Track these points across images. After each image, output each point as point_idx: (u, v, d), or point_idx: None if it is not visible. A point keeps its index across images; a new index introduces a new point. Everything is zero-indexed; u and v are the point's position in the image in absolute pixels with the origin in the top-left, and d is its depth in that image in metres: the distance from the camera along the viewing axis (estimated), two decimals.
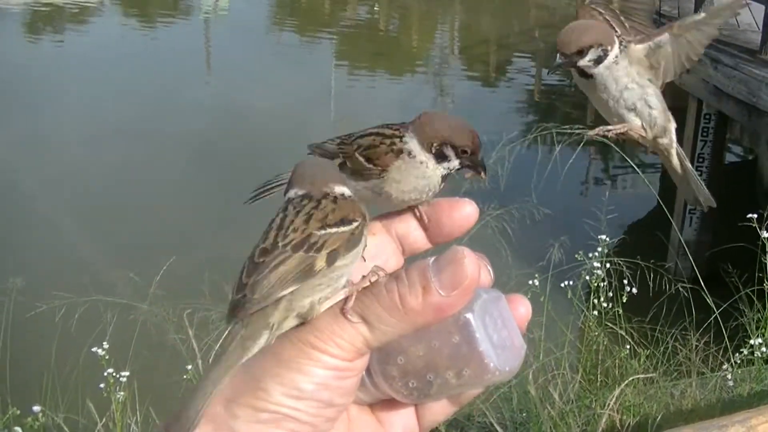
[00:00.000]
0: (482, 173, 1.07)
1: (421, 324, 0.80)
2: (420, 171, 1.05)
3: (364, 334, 0.80)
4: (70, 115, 14.89)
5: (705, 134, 10.17)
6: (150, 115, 15.06)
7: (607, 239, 5.23)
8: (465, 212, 0.91)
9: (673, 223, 9.20)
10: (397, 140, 1.06)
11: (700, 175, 10.01)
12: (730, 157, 13.30)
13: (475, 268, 0.80)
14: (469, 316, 0.83)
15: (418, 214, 0.98)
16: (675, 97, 14.18)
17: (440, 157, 1.05)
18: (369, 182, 1.07)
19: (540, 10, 24.67)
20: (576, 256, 5.19)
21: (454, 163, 1.05)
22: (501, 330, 0.86)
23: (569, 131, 5.89)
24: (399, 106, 16.48)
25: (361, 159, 1.07)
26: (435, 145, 1.04)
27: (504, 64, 20.84)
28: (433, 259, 0.81)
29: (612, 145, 6.87)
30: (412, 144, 1.05)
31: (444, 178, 1.06)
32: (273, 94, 16.08)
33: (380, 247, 0.92)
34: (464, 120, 1.06)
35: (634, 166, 7.99)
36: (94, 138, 13.77)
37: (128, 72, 17.40)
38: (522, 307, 0.89)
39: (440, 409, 0.89)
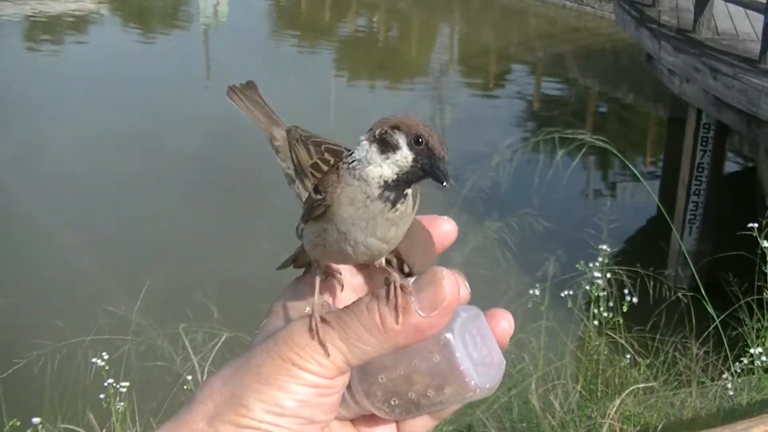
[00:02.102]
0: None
1: (402, 344, 0.80)
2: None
3: (344, 353, 0.80)
4: (66, 125, 14.90)
5: (704, 144, 10.19)
6: (148, 124, 15.08)
7: (608, 248, 5.23)
8: (443, 230, 0.91)
9: (674, 230, 9.21)
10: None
11: (699, 185, 10.08)
12: (729, 167, 13.31)
13: (454, 288, 0.80)
14: (449, 336, 0.84)
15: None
16: (674, 107, 14.29)
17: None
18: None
19: (540, 20, 24.72)
20: (577, 266, 5.20)
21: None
22: (481, 348, 0.86)
23: (570, 136, 5.90)
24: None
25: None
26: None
27: (503, 75, 20.89)
28: (413, 279, 0.81)
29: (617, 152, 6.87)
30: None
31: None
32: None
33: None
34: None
35: (639, 175, 8.00)
36: (91, 148, 13.79)
37: (127, 81, 17.44)
38: (504, 321, 0.89)
39: (421, 423, 0.90)
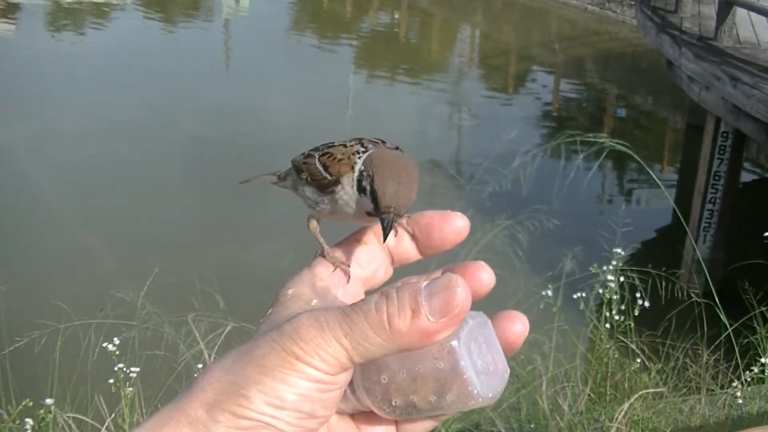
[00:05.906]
0: (384, 231, 0.90)
1: (406, 347, 0.80)
2: (345, 191, 0.98)
3: (348, 350, 0.79)
4: (82, 111, 14.96)
5: (722, 152, 10.15)
6: (165, 114, 15.13)
7: (622, 252, 5.22)
8: (456, 226, 0.90)
9: (689, 236, 9.19)
10: (357, 153, 0.97)
11: (715, 193, 10.04)
12: (746, 176, 13.27)
13: (467, 298, 0.79)
14: (454, 343, 0.83)
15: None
16: (693, 114, 14.25)
17: (360, 188, 0.95)
18: (325, 195, 1.00)
19: (561, 22, 24.67)
20: (591, 268, 5.19)
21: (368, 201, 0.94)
22: (485, 356, 0.85)
23: (591, 139, 5.89)
24: (417, 114, 16.50)
25: (319, 165, 1.00)
26: (358, 176, 0.96)
27: (523, 76, 20.87)
28: (425, 282, 0.80)
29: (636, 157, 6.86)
30: (360, 162, 0.96)
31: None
32: (290, 99, 16.13)
33: (371, 257, 0.93)
34: (411, 168, 0.93)
35: (658, 180, 7.99)
36: (105, 134, 13.85)
37: (146, 70, 17.51)
38: (519, 324, 0.88)
39: (421, 423, 0.89)
